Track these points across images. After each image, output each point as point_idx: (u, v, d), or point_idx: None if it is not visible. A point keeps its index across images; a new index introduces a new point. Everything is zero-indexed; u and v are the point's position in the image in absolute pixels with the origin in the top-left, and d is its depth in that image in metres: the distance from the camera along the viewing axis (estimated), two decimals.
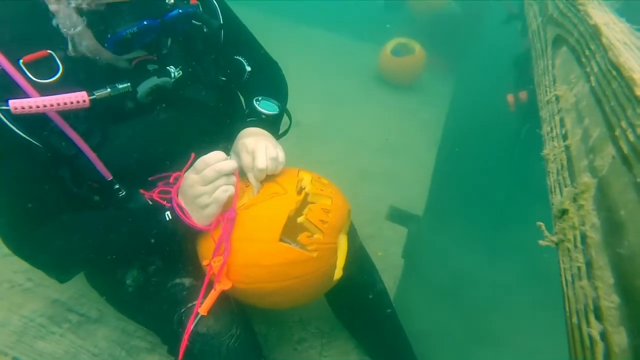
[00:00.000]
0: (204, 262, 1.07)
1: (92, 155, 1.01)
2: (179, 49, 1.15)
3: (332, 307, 1.55)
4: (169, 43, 1.05)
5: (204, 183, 1.01)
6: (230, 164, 1.04)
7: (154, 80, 1.04)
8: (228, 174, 1.04)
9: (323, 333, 1.65)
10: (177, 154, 1.14)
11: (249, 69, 1.32)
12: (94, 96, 0.96)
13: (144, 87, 1.03)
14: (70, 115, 0.96)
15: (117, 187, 1.10)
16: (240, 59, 1.32)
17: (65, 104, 0.92)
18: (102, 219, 1.10)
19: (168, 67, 1.08)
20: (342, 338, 1.62)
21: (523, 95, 2.90)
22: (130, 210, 1.11)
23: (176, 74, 1.09)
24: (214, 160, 1.02)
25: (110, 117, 1.05)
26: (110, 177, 1.07)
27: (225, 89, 1.28)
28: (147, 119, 1.11)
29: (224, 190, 1.02)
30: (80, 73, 0.98)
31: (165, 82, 1.06)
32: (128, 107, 1.06)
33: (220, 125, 1.28)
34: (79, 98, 0.93)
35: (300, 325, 1.66)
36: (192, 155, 1.10)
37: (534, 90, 2.80)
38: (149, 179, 1.15)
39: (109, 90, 0.98)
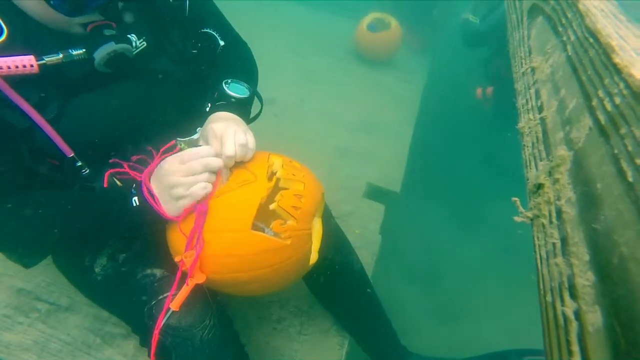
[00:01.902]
0: (177, 258, 1.02)
1: (48, 129, 0.94)
2: (142, 19, 1.07)
3: (310, 289, 1.54)
4: (119, 6, 0.96)
5: (186, 174, 0.96)
6: (217, 161, 0.99)
7: (111, 46, 0.95)
8: (212, 172, 0.99)
9: (302, 311, 1.65)
10: (144, 130, 1.08)
11: (222, 43, 1.26)
12: (44, 61, 0.88)
13: (100, 54, 0.94)
14: (22, 84, 0.89)
15: (80, 164, 1.03)
16: (212, 31, 1.25)
17: (9, 67, 0.84)
18: (64, 198, 1.03)
19: (129, 35, 1.00)
20: (321, 316, 1.62)
21: (489, 90, 3.05)
22: (94, 192, 1.05)
23: (138, 43, 1.02)
24: (205, 154, 0.98)
25: (68, 88, 0.97)
26: (71, 154, 1.00)
27: (195, 64, 1.22)
28: (110, 91, 1.04)
29: (203, 187, 0.97)
30: (30, 37, 0.90)
31: (124, 49, 0.97)
32: (88, 78, 0.98)
33: (190, 102, 1.23)
34: (25, 62, 0.85)
35: (279, 305, 1.66)
36: (175, 144, 1.05)
37: (500, 87, 2.90)
38: (133, 158, 1.10)
39: (61, 55, 0.90)
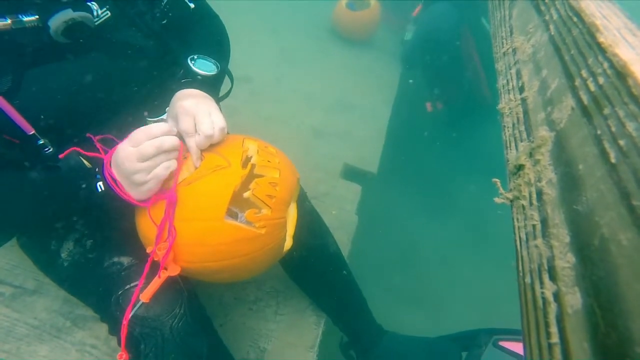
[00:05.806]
0: (148, 249, 0.98)
1: (3, 104, 0.86)
2: None
3: (286, 271, 1.53)
4: None
5: (142, 159, 0.89)
6: (172, 140, 0.92)
7: (68, 14, 0.88)
8: (169, 150, 0.93)
9: (278, 292, 1.65)
10: (109, 106, 1.02)
11: (192, 5, 1.19)
12: None
13: (56, 22, 0.87)
14: None
15: (42, 142, 0.96)
16: None
17: None
18: (25, 180, 0.96)
19: (89, 3, 0.93)
20: (298, 296, 1.62)
21: (439, 105, 3.05)
22: (57, 174, 0.98)
23: (100, 12, 0.95)
24: (159, 132, 0.90)
25: (24, 59, 0.89)
26: (31, 131, 0.92)
27: (164, 36, 1.16)
28: (71, 64, 0.97)
29: (166, 167, 0.91)
30: None
31: (84, 17, 0.90)
32: (46, 49, 0.91)
33: (159, 77, 1.17)
34: None
35: (255, 285, 1.65)
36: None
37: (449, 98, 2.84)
38: (99, 137, 1.03)
39: (9, 21, 0.82)
